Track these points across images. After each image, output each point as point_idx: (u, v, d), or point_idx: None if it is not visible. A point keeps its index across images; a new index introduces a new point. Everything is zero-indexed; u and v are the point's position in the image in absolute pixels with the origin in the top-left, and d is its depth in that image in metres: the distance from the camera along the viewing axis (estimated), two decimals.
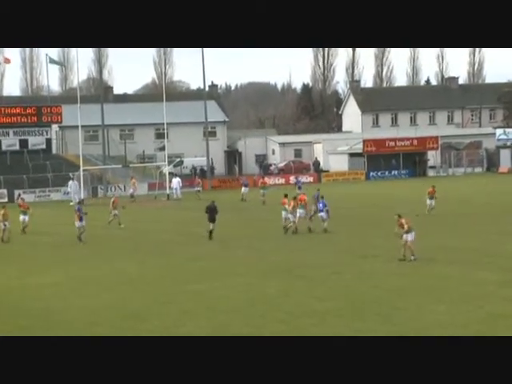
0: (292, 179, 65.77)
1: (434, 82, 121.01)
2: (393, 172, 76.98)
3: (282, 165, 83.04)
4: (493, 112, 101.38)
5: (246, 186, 54.81)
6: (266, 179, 59.21)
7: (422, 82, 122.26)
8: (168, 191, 58.96)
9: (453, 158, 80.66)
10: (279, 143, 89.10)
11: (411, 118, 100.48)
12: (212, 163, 76.39)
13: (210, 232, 33.33)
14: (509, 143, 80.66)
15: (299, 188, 52.24)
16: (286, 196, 35.96)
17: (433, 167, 79.77)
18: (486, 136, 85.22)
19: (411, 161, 77.77)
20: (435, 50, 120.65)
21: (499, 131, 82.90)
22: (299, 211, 34.53)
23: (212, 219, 33.49)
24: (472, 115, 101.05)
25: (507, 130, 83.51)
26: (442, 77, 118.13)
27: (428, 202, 40.20)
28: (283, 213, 35.05)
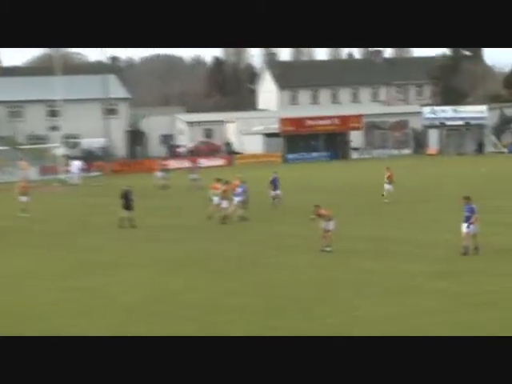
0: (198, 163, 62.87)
1: (357, 56, 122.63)
2: (313, 154, 77.62)
3: (189, 146, 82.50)
4: (420, 88, 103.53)
5: (163, 171, 53.75)
6: (173, 162, 58.64)
7: (344, 56, 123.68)
8: (64, 176, 57.66)
9: (378, 138, 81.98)
10: (187, 122, 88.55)
11: (333, 94, 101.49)
12: (111, 145, 75.12)
13: (125, 220, 33.07)
14: (437, 122, 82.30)
15: (194, 173, 51.66)
16: (218, 180, 35.66)
17: (356, 149, 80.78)
18: (412, 115, 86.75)
19: (333, 142, 78.58)
20: None
21: (427, 109, 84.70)
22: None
23: (128, 206, 33.19)
24: (398, 92, 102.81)
25: (435, 108, 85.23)
26: (366, 50, 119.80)
27: (386, 187, 40.12)
28: (214, 199, 34.60)
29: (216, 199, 34.51)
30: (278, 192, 38.73)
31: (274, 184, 38.07)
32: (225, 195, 34.14)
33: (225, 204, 34.03)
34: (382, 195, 39.81)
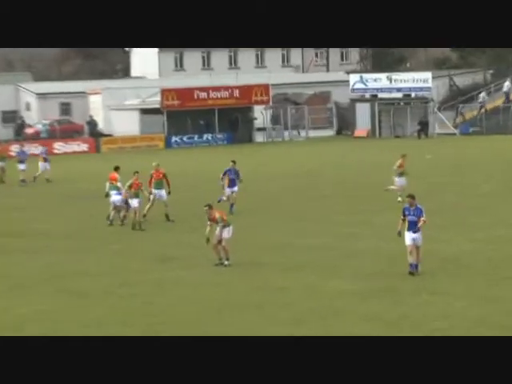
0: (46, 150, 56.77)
1: None
2: (205, 137, 76.98)
3: (40, 127, 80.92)
4: (345, 50, 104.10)
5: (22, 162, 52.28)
6: (16, 146, 57.20)
7: None
8: None
9: (290, 116, 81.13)
10: (37, 94, 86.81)
11: (230, 57, 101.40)
12: None
13: None
14: (367, 95, 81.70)
15: (21, 162, 51.38)
16: (116, 169, 35.53)
17: (262, 129, 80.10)
18: (335, 84, 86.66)
19: (231, 120, 77.83)
20: None
21: (354, 78, 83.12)
22: (133, 201, 33.66)
23: None
24: (316, 55, 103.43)
25: (365, 75, 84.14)
26: None
27: (397, 180, 38.12)
28: (112, 193, 34.48)
29: (115, 195, 34.35)
30: (236, 189, 37.10)
31: (231, 178, 36.87)
32: (132, 190, 33.66)
33: (135, 203, 33.59)
34: (387, 190, 38.60)
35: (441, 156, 58.88)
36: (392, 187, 37.89)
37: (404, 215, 24.13)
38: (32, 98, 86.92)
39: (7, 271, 26.26)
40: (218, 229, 25.53)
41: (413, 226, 23.84)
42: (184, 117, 76.23)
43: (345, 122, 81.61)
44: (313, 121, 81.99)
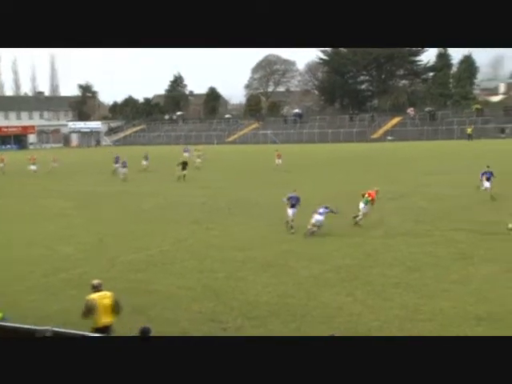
0: None
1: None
2: None
3: None
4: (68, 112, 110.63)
5: None
6: None
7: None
8: None
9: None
10: None
11: None
12: None
13: None
14: (77, 129, 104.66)
15: None
16: None
17: None
18: (63, 126, 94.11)
19: None
20: None
21: (70, 123, 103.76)
22: None
23: None
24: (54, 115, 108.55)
25: (76, 122, 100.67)
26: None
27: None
28: None
29: None
30: None
31: None
32: None
33: None
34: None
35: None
36: None
37: None
38: None
39: None
40: None
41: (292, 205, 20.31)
42: None
43: (67, 140, 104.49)
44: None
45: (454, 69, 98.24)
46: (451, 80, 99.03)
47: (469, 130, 76.46)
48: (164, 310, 12.71)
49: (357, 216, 21.60)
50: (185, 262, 17.00)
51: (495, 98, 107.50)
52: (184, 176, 38.86)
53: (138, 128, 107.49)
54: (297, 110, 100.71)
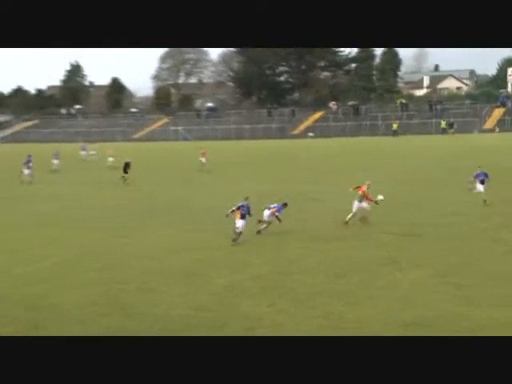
0: None
1: None
2: None
3: None
4: None
5: None
6: None
7: None
8: None
9: None
10: None
11: None
12: None
13: None
14: None
15: None
16: None
17: None
18: None
19: None
20: None
21: None
22: None
23: None
24: None
25: None
26: None
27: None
28: None
29: None
30: None
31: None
32: None
33: None
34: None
35: None
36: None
37: None
38: None
39: None
40: None
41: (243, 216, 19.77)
42: None
43: None
44: None
45: (378, 60, 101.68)
46: (375, 72, 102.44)
47: (394, 126, 79.39)
48: (65, 327, 12.42)
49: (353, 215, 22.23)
50: (90, 272, 16.69)
51: (419, 92, 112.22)
52: (124, 178, 38.07)
53: (30, 123, 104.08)
54: (211, 104, 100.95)
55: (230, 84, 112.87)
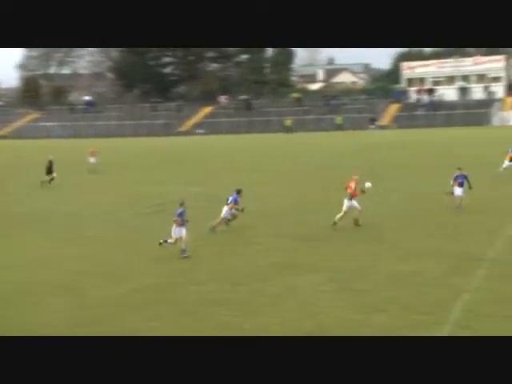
0: None
1: None
2: None
3: None
4: None
5: None
6: None
7: None
8: None
9: None
10: None
11: None
12: None
13: None
14: None
15: None
16: None
17: None
18: None
19: None
20: None
21: None
22: None
23: None
24: None
25: None
26: None
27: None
28: None
29: None
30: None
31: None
32: None
33: None
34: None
35: None
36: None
37: None
38: None
39: None
40: None
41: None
42: None
43: None
44: None
45: (270, 52, 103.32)
46: (267, 65, 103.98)
47: (288, 122, 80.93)
48: None
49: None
50: None
51: (314, 86, 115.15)
52: (50, 180, 36.22)
53: None
54: (87, 98, 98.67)
55: (110, 75, 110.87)
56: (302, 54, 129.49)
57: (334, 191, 30.53)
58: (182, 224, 18.77)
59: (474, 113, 78.61)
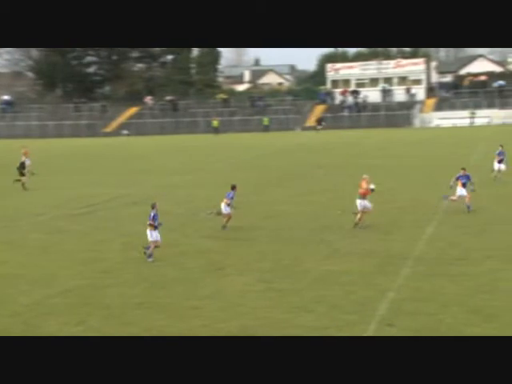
0: None
1: None
2: None
3: None
4: None
5: None
6: None
7: None
8: None
9: None
10: None
11: None
12: None
13: None
14: None
15: None
16: None
17: None
18: None
19: None
20: None
21: None
22: None
23: None
24: None
25: None
26: None
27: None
28: None
29: None
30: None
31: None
32: None
33: None
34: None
35: None
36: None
37: None
38: None
39: None
40: None
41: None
42: None
43: None
44: None
45: (196, 52, 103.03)
46: (193, 65, 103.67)
47: (215, 123, 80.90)
48: None
49: (355, 213, 22.00)
50: None
51: (240, 87, 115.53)
52: (23, 183, 34.62)
53: None
54: (6, 97, 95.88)
55: (30, 75, 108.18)
56: (228, 55, 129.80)
57: (261, 193, 30.68)
58: (156, 227, 18.40)
59: (397, 114, 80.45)
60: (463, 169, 24.38)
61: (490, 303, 13.66)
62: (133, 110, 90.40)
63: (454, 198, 24.12)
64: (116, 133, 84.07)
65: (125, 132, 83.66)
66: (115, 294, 15.22)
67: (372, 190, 22.19)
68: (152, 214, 18.41)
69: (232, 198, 22.10)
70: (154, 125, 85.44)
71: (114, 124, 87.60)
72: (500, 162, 31.49)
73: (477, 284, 15.11)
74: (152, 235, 18.33)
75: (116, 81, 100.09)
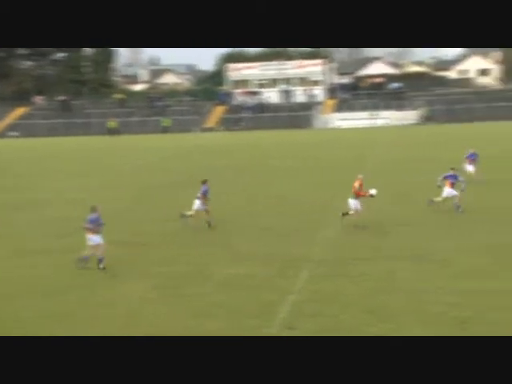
0: None
1: None
2: None
3: None
4: None
5: None
6: None
7: None
8: None
9: None
10: None
11: None
12: None
13: None
14: None
15: None
16: None
17: None
18: None
19: None
20: None
21: None
22: None
23: None
24: None
25: None
26: None
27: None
28: None
29: None
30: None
31: None
32: None
33: None
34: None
35: None
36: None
37: None
38: None
39: None
40: None
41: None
42: None
43: None
44: None
45: (89, 50, 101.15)
46: (87, 63, 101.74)
47: (111, 124, 79.73)
48: None
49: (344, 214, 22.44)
50: None
51: (137, 87, 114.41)
52: None
53: None
54: None
55: None
56: (123, 53, 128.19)
57: (158, 197, 30.54)
58: (96, 231, 17.79)
59: (298, 115, 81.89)
60: (452, 168, 24.33)
61: (387, 303, 14.26)
62: (21, 111, 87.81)
63: (438, 199, 24.23)
64: (3, 134, 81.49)
65: (13, 133, 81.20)
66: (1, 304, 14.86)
67: (371, 196, 22.46)
68: (91, 217, 17.82)
69: (205, 192, 22.78)
70: (46, 126, 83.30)
71: (1, 125, 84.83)
72: (471, 163, 30.93)
73: (376, 284, 15.71)
74: (91, 240, 17.76)
75: (2, 79, 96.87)
